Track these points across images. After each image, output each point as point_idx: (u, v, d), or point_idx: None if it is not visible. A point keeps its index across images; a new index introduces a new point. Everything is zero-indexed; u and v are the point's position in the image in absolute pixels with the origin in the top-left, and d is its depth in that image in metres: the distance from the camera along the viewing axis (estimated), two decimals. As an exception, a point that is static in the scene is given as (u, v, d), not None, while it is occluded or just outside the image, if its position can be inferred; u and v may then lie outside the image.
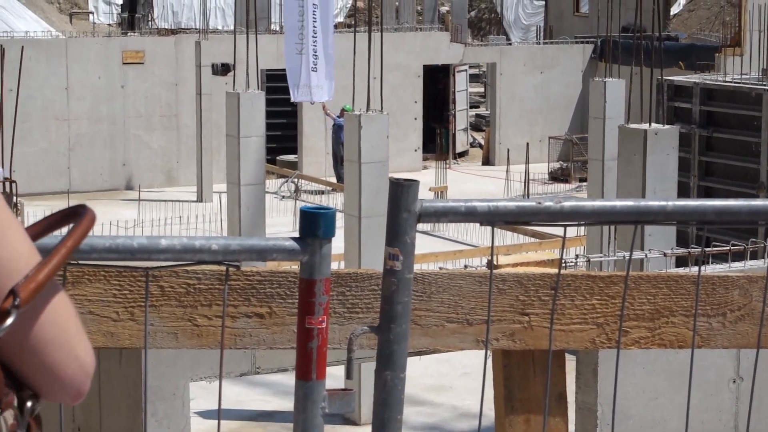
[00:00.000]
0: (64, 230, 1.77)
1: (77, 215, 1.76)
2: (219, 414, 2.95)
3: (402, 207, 2.46)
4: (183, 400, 7.69)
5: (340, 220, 20.40)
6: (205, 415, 14.74)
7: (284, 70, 26.06)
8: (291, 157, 35.83)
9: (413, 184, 2.50)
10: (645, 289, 3.02)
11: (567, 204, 2.56)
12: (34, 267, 1.66)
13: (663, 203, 2.64)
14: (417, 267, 2.68)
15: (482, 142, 40.58)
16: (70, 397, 1.74)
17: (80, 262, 1.77)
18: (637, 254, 10.19)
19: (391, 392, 2.57)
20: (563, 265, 2.87)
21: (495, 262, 3.79)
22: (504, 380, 3.04)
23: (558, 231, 21.89)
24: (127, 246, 2.38)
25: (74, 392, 1.74)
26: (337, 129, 31.25)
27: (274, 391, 16.38)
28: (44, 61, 32.12)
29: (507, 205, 2.60)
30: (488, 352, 2.90)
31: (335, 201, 26.86)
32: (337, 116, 31.65)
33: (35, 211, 18.95)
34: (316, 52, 23.77)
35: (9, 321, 1.61)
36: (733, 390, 8.12)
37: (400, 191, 2.48)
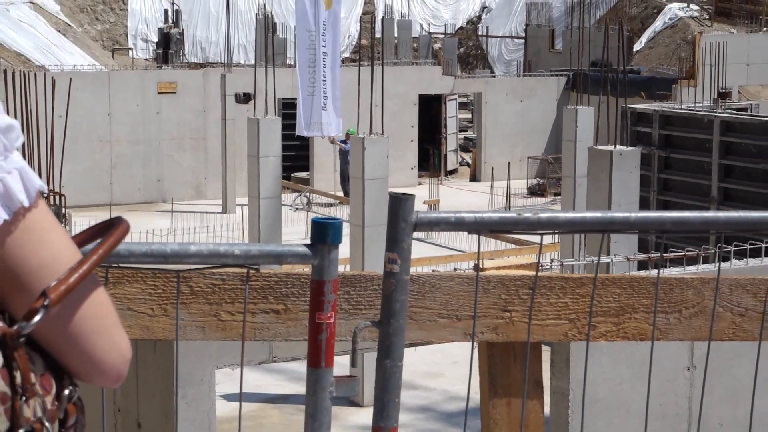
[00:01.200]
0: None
1: (114, 226, 1.77)
2: (240, 397, 2.94)
3: (400, 217, 2.46)
4: (209, 385, 7.68)
5: (346, 229, 20.40)
6: (229, 398, 14.72)
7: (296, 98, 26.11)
8: (303, 174, 35.86)
9: (410, 197, 2.51)
10: (611, 289, 3.02)
11: (543, 215, 2.57)
12: (65, 271, 1.66)
13: (626, 215, 2.64)
14: (413, 270, 2.68)
15: (470, 161, 40.57)
16: (111, 381, 1.74)
17: (120, 265, 1.77)
18: (604, 259, 10.18)
19: (390, 378, 2.56)
20: (540, 268, 2.87)
21: (480, 266, 3.78)
22: (488, 368, 3.03)
23: (535, 238, 21.90)
24: (161, 251, 2.38)
25: (114, 376, 1.74)
26: (345, 153, 31.26)
27: (288, 377, 16.36)
28: (89, 90, 32.14)
29: (491, 216, 2.61)
30: (475, 343, 2.90)
31: (342, 212, 26.85)
32: (342, 140, 31.63)
33: (81, 221, 18.90)
34: (326, 93, 23.81)
35: (36, 319, 1.62)
36: (687, 377, 8.10)
37: (399, 204, 2.49)
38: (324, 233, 2.42)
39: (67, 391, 1.72)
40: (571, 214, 2.68)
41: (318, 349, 2.42)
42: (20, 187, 1.64)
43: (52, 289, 1.63)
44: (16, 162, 1.64)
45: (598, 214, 2.66)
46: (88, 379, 1.74)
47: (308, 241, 2.46)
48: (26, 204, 1.65)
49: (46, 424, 1.69)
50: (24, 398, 1.66)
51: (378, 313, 2.62)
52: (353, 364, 2.52)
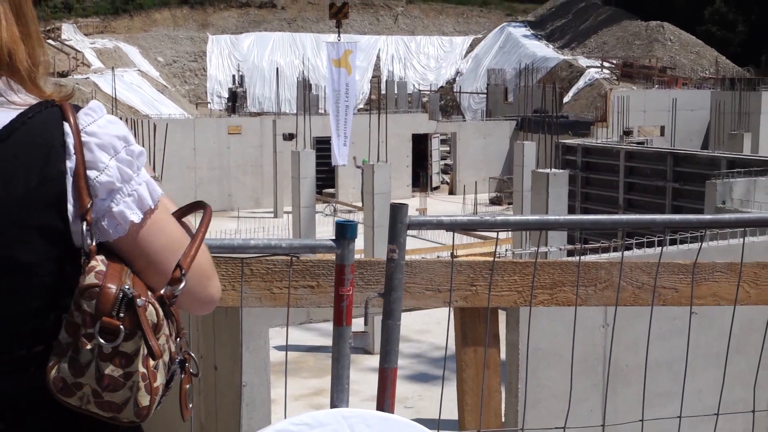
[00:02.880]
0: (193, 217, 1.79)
1: (199, 207, 1.78)
2: (286, 348, 2.94)
3: (398, 220, 2.47)
4: (265, 339, 7.67)
5: (360, 229, 20.39)
6: (279, 348, 14.69)
7: (327, 136, 26.16)
8: (331, 190, 35.86)
9: (404, 206, 2.51)
10: (547, 270, 3.02)
11: (498, 218, 2.58)
12: (188, 245, 1.67)
13: (557, 218, 2.65)
14: (407, 257, 2.68)
15: (448, 180, 40.54)
16: (210, 307, 1.76)
17: (184, 282, 1.74)
18: (543, 249, 10.17)
19: (391, 333, 2.57)
20: (497, 255, 2.88)
21: (455, 254, 3.79)
22: (461, 326, 3.03)
23: (493, 234, 21.91)
24: (230, 245, 2.39)
25: (214, 306, 1.76)
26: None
27: (320, 333, 16.34)
28: (180, 132, 32.16)
29: (462, 218, 2.61)
30: (451, 309, 2.89)
31: (359, 217, 26.86)
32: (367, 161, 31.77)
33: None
34: (346, 134, 23.93)
35: (182, 285, 1.64)
36: (602, 332, 8.08)
37: (397, 210, 2.49)
38: (344, 231, 2.43)
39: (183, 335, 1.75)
40: (518, 217, 2.69)
41: (340, 313, 2.42)
42: (147, 195, 1.64)
43: (182, 261, 1.64)
44: (145, 176, 1.65)
45: (537, 217, 2.67)
46: (202, 310, 1.76)
47: (333, 237, 2.47)
48: (152, 206, 1.65)
49: (192, 353, 1.72)
50: (178, 338, 1.69)
51: (383, 287, 2.62)
52: (366, 323, 2.52)
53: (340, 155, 23.89)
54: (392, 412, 2.56)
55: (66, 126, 1.59)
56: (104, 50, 52.84)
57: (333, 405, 2.48)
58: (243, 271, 2.62)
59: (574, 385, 7.78)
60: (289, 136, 30.82)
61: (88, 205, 1.56)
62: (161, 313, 1.60)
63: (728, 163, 19.57)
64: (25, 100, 1.62)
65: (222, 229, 24.44)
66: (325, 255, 2.81)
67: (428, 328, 16.55)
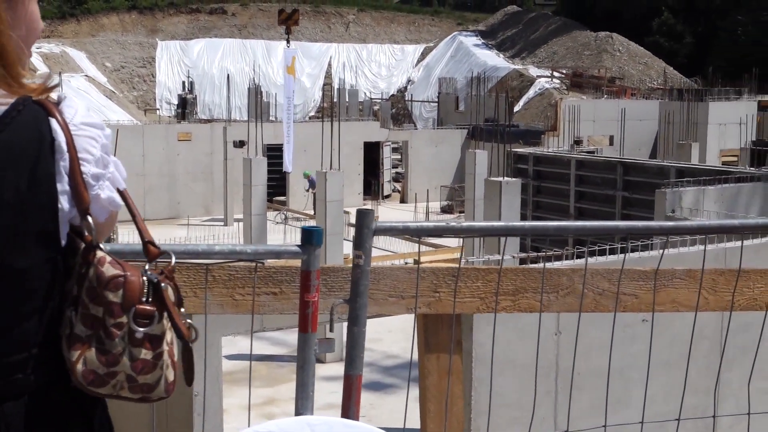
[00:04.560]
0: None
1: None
2: (251, 356, 2.90)
3: (364, 225, 2.46)
4: (218, 348, 7.62)
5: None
6: (230, 357, 14.61)
7: (278, 144, 26.15)
8: (282, 198, 35.75)
9: (371, 211, 2.51)
10: (510, 276, 3.03)
11: (464, 224, 2.58)
12: (139, 221, 1.77)
13: (522, 224, 2.66)
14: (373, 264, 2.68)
15: (399, 188, 40.62)
16: None
17: (163, 261, 1.79)
18: (496, 257, 10.24)
19: (357, 340, 2.56)
20: (461, 262, 2.89)
21: (419, 260, 3.77)
22: (424, 332, 3.03)
23: (446, 242, 22.02)
24: (194, 250, 2.37)
25: None
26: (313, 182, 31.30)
27: (271, 342, 16.25)
28: (129, 138, 31.80)
29: (428, 225, 2.62)
30: (415, 315, 2.89)
31: (309, 224, 26.76)
32: (309, 173, 31.85)
33: (123, 232, 18.84)
34: (290, 141, 24.08)
35: (173, 260, 1.76)
36: (555, 340, 8.15)
37: (363, 216, 2.49)
38: (310, 237, 2.41)
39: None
40: (484, 224, 2.70)
41: (306, 319, 2.41)
42: (119, 176, 1.73)
43: (149, 236, 1.75)
44: (112, 158, 1.72)
45: (503, 224, 2.68)
46: None
47: (299, 243, 2.46)
48: (124, 186, 1.74)
49: (190, 321, 1.76)
50: (182, 308, 1.74)
51: (347, 293, 2.61)
52: (331, 329, 2.51)
53: (290, 162, 23.92)
54: (357, 419, 2.55)
55: (53, 123, 1.57)
56: (51, 55, 52.13)
57: (298, 413, 2.46)
58: (206, 277, 2.59)
59: (527, 392, 7.83)
60: (240, 144, 30.67)
61: (89, 202, 1.57)
62: (176, 291, 1.66)
63: (677, 173, 19.87)
64: (5, 100, 1.59)
65: (172, 236, 24.20)
66: (288, 261, 2.78)
67: (380, 336, 16.55)
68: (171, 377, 1.65)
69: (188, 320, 1.75)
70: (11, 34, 1.59)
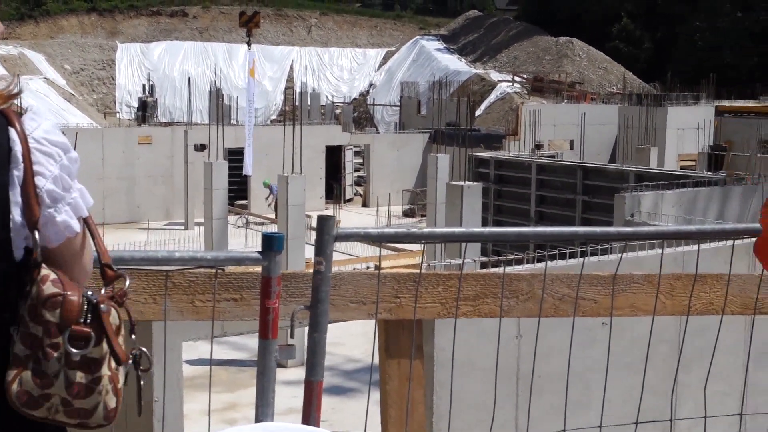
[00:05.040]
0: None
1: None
2: (210, 361, 2.89)
3: (325, 231, 2.46)
4: (178, 353, 7.57)
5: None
6: (191, 363, 14.51)
7: (240, 147, 26.06)
8: (243, 202, 35.60)
9: (332, 218, 2.51)
10: (470, 282, 3.04)
11: (425, 230, 2.59)
12: (98, 242, 1.73)
13: (482, 230, 2.68)
14: (334, 269, 2.68)
15: (361, 192, 40.63)
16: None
17: (124, 267, 1.77)
18: (457, 261, 10.27)
19: (318, 345, 2.56)
20: (423, 267, 2.89)
21: (380, 266, 3.79)
22: (385, 337, 3.03)
23: (408, 246, 22.06)
24: (154, 257, 2.35)
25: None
26: (273, 189, 31.22)
27: (232, 347, 16.17)
28: (89, 142, 31.51)
29: (389, 231, 2.62)
30: (376, 320, 2.90)
31: (273, 229, 26.64)
32: (269, 182, 31.89)
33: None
34: (250, 144, 24.05)
35: (128, 282, 1.73)
36: (516, 343, 8.19)
37: (324, 222, 2.49)
38: (271, 243, 2.41)
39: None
40: (445, 230, 2.72)
41: (266, 326, 2.40)
42: (82, 203, 1.68)
43: (107, 259, 1.72)
44: (77, 184, 1.69)
45: (463, 230, 2.69)
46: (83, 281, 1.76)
47: (257, 250, 2.45)
48: (86, 214, 1.70)
49: (144, 349, 1.75)
50: (132, 335, 1.72)
51: (308, 300, 2.61)
52: (291, 336, 2.50)
53: (251, 165, 23.88)
54: (318, 425, 2.55)
55: (12, 132, 1.54)
56: (8, 57, 51.49)
57: (258, 419, 2.45)
58: (166, 284, 2.58)
59: (489, 395, 7.86)
60: (201, 147, 30.51)
61: (38, 215, 1.53)
62: (120, 314, 1.61)
63: (636, 177, 20.07)
64: None
65: (131, 241, 23.99)
66: (249, 267, 2.78)
67: (342, 341, 16.53)
68: (111, 404, 1.59)
69: (141, 348, 1.72)
70: None
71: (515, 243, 15.33)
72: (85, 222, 1.71)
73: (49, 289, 1.54)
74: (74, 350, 1.53)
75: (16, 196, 1.53)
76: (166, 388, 7.50)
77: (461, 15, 72.33)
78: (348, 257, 23.52)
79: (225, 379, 15.37)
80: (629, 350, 7.95)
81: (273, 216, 29.88)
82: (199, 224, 28.06)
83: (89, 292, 1.58)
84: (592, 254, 8.82)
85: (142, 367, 1.73)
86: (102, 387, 1.58)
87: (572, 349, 7.72)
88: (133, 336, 1.69)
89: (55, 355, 1.53)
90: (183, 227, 31.44)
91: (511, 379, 8.28)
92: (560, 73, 55.69)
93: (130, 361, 1.68)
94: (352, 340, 16.36)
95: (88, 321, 1.56)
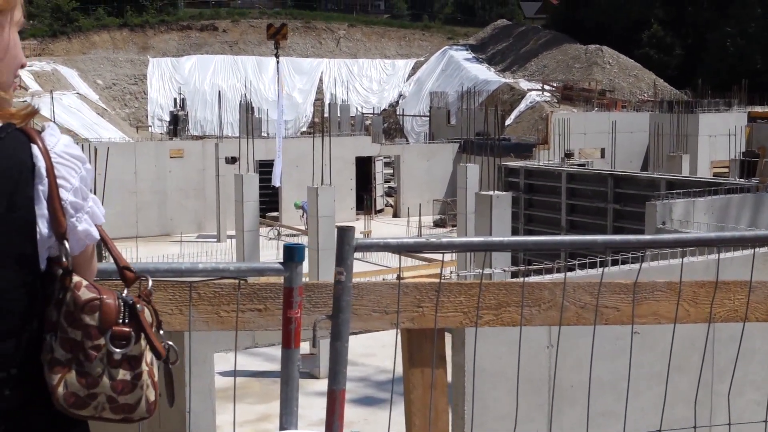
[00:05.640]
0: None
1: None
2: (234, 371, 2.94)
3: (345, 242, 2.49)
4: (210, 365, 7.63)
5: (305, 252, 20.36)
6: (223, 374, 14.57)
7: (270, 159, 26.21)
8: (275, 214, 35.75)
9: (351, 229, 2.54)
10: (492, 291, 3.06)
11: (444, 240, 2.62)
12: (112, 248, 1.80)
13: (501, 239, 2.70)
14: (355, 280, 2.71)
15: (392, 203, 40.66)
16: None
17: (150, 278, 1.83)
18: (488, 271, 10.26)
19: (339, 355, 2.59)
20: (443, 277, 2.88)
21: (402, 276, 3.82)
22: (408, 347, 3.06)
23: (439, 256, 22.06)
24: (178, 268, 2.40)
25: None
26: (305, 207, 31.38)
27: (265, 358, 16.24)
28: (121, 156, 31.84)
29: (408, 240, 2.65)
30: (398, 330, 2.93)
31: (304, 240, 26.76)
32: (300, 202, 31.96)
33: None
34: (280, 155, 24.17)
35: (150, 283, 1.82)
36: (547, 353, 8.16)
37: (344, 233, 2.52)
38: (292, 254, 2.45)
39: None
40: (463, 239, 2.74)
41: (289, 335, 2.44)
42: (98, 211, 1.75)
43: (123, 262, 1.79)
44: (91, 195, 1.75)
45: (482, 239, 2.72)
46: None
47: (281, 260, 2.49)
48: (102, 222, 1.77)
49: (171, 343, 1.82)
50: (161, 330, 1.79)
51: (330, 309, 2.64)
52: (314, 345, 2.54)
53: (279, 176, 24.02)
54: (341, 434, 2.58)
55: (35, 149, 1.61)
56: (42, 73, 52.16)
57: (282, 428, 2.49)
58: (191, 294, 2.62)
59: (520, 406, 7.84)
60: (232, 160, 30.71)
61: (66, 226, 1.60)
62: (153, 313, 1.68)
63: (667, 185, 19.93)
64: None
65: (164, 253, 24.20)
66: (272, 278, 2.82)
67: (373, 351, 16.54)
68: (152, 397, 1.68)
69: (168, 342, 1.78)
70: None
71: (534, 251, 15.26)
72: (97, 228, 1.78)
73: (85, 294, 1.61)
74: (117, 350, 1.60)
75: (42, 209, 1.59)
76: (199, 400, 7.55)
77: (489, 24, 72.30)
78: (380, 268, 23.56)
79: (258, 390, 15.44)
80: (661, 360, 7.91)
81: (304, 228, 29.98)
82: (230, 237, 28.25)
83: (123, 293, 1.65)
84: (624, 262, 8.79)
85: (171, 361, 1.79)
86: (143, 382, 1.66)
87: (605, 359, 7.69)
88: (162, 331, 1.77)
89: (98, 356, 1.61)
90: (215, 240, 31.65)
91: (542, 389, 8.25)
92: (590, 81, 55.47)
93: (173, 357, 1.76)
94: (383, 351, 16.37)
95: (126, 321, 1.63)
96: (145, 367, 1.66)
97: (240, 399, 14.73)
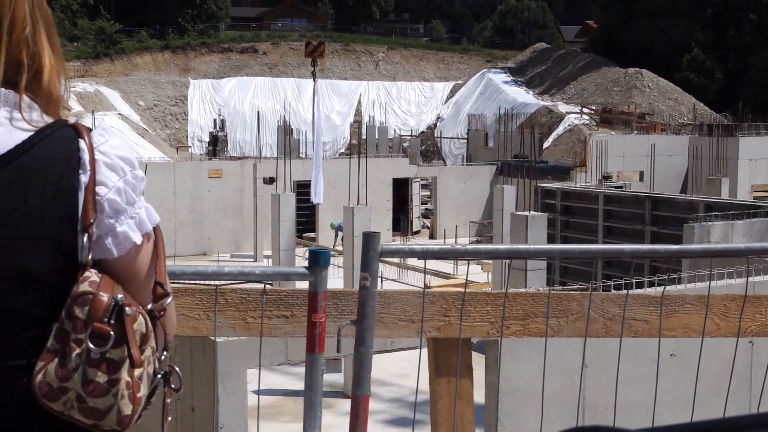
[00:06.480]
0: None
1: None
2: (258, 383, 2.95)
3: (370, 248, 2.50)
4: (243, 380, 7.63)
5: (340, 273, 20.34)
6: (256, 392, 14.59)
7: (307, 181, 26.33)
8: (311, 234, 35.87)
9: (377, 234, 2.55)
10: (519, 301, 3.05)
11: (469, 247, 2.61)
12: (159, 263, 1.78)
13: (527, 246, 2.70)
14: (386, 287, 2.72)
15: (429, 225, 40.63)
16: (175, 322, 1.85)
17: (175, 281, 1.83)
18: (522, 290, 10.19)
19: (363, 360, 2.59)
20: (469, 287, 2.88)
21: (428, 285, 3.80)
22: (434, 355, 3.05)
23: (474, 278, 21.96)
24: (204, 271, 2.42)
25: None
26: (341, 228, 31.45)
27: (299, 377, 16.25)
28: (160, 175, 32.18)
29: (433, 247, 2.65)
30: (421, 338, 2.92)
31: (340, 261, 26.75)
32: (340, 226, 32.01)
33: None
34: (319, 171, 24.25)
35: (170, 299, 1.77)
36: (581, 373, 8.07)
37: (369, 238, 2.53)
38: (317, 259, 2.46)
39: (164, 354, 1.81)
40: (489, 246, 2.74)
41: (313, 340, 2.45)
42: (147, 219, 1.72)
43: (162, 279, 1.76)
44: (144, 202, 1.74)
45: (507, 247, 2.71)
46: (173, 326, 1.84)
47: (301, 267, 2.50)
48: (150, 231, 1.74)
49: (176, 368, 1.78)
50: (165, 352, 1.75)
51: (355, 316, 2.65)
52: (338, 350, 2.54)
53: (317, 193, 24.08)
54: (365, 439, 2.58)
55: (81, 143, 1.65)
56: (85, 94, 52.90)
57: (305, 432, 2.49)
58: (216, 298, 2.64)
59: (553, 426, 7.77)
60: (270, 180, 30.91)
61: (92, 219, 1.62)
62: (150, 325, 1.67)
63: (706, 207, 19.74)
64: (44, 120, 1.69)
65: (201, 272, 24.33)
66: (299, 284, 2.83)
67: (407, 371, 16.50)
68: (126, 410, 1.62)
69: (174, 367, 1.77)
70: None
71: (567, 260, 15.11)
72: (155, 243, 1.78)
73: (83, 287, 1.62)
74: (93, 347, 1.59)
75: (81, 200, 1.63)
76: (231, 415, 7.56)
77: (528, 48, 72.26)
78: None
79: (292, 408, 15.45)
80: (699, 382, 7.80)
81: (340, 248, 30.06)
82: (267, 257, 28.35)
83: (119, 296, 1.64)
84: (659, 284, 8.69)
85: (173, 386, 1.77)
86: (118, 390, 1.61)
87: (641, 381, 7.60)
88: (166, 353, 1.74)
89: (78, 350, 1.60)
90: (252, 259, 31.80)
91: (575, 411, 8.16)
92: (629, 104, 55.16)
93: (159, 376, 1.73)
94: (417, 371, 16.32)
95: (112, 321, 1.62)
96: (125, 377, 1.62)
97: (274, 417, 14.73)
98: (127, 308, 1.62)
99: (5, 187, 1.59)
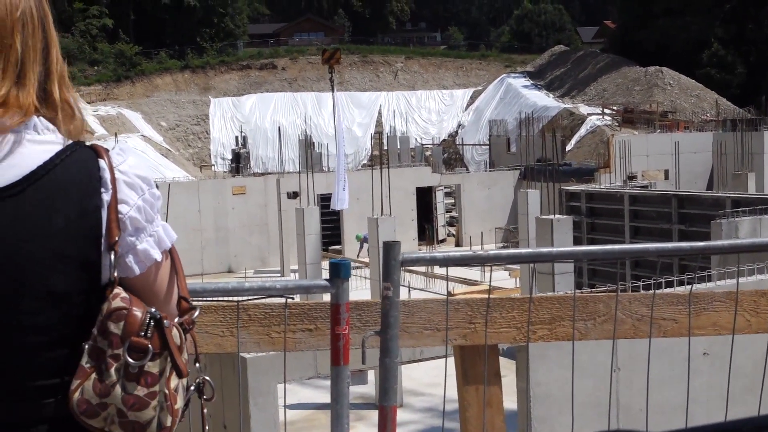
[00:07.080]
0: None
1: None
2: (285, 397, 2.93)
3: (391, 257, 2.48)
4: (273, 395, 7.63)
5: (367, 284, 20.30)
6: (292, 407, 14.60)
7: (331, 193, 26.42)
8: (337, 247, 35.91)
9: (397, 243, 2.53)
10: (545, 305, 3.02)
11: (491, 252, 2.59)
12: (179, 279, 1.80)
13: (550, 249, 2.67)
14: (410, 296, 2.70)
15: (454, 232, 40.54)
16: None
17: (196, 299, 1.83)
18: (549, 293, 10.13)
19: (389, 371, 2.56)
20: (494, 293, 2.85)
21: (452, 292, 3.77)
22: (461, 363, 3.03)
23: (498, 286, 21.86)
24: (224, 288, 2.41)
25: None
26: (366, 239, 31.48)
27: (330, 390, 16.22)
28: (185, 195, 32.32)
29: (455, 254, 2.63)
30: (449, 346, 2.90)
31: (363, 273, 26.72)
32: (365, 237, 32.00)
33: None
34: (345, 179, 24.20)
35: (197, 312, 1.79)
36: (614, 376, 8.02)
37: (390, 247, 2.51)
38: (338, 270, 2.44)
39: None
40: (511, 251, 2.71)
41: (338, 352, 2.43)
42: (165, 237, 1.75)
43: (185, 293, 1.79)
44: (161, 220, 1.76)
45: (529, 250, 2.69)
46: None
47: (327, 278, 2.48)
48: (168, 248, 1.76)
49: (208, 378, 1.81)
50: (197, 363, 1.79)
51: (378, 327, 2.63)
52: (363, 362, 2.52)
53: (340, 199, 24.10)
54: (393, 451, 2.55)
55: (101, 162, 1.67)
56: (107, 117, 53.31)
57: (333, 446, 2.47)
58: (239, 314, 2.63)
59: (585, 430, 7.71)
60: (293, 195, 30.97)
61: (117, 237, 1.64)
62: (183, 337, 1.68)
63: (733, 203, 19.56)
64: (56, 138, 1.71)
65: (229, 289, 24.38)
66: (323, 298, 2.82)
67: (438, 380, 16.38)
68: (166, 422, 1.64)
69: (205, 377, 1.79)
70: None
71: (594, 262, 14.99)
72: (172, 259, 1.79)
73: (116, 303, 1.63)
74: (132, 361, 1.60)
75: (104, 219, 1.65)
76: (263, 430, 7.56)
77: (547, 51, 72.09)
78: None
79: (324, 422, 15.42)
80: (734, 381, 7.70)
81: (366, 260, 30.06)
82: (294, 271, 28.39)
83: (153, 309, 1.66)
84: (689, 283, 8.61)
85: (205, 396, 1.78)
86: (158, 402, 1.63)
87: (675, 381, 7.52)
88: (197, 365, 1.76)
89: (115, 365, 1.62)
90: (279, 274, 31.86)
91: (611, 413, 8.09)
92: (651, 103, 54.86)
93: (193, 387, 1.74)
94: (449, 380, 16.25)
95: (149, 335, 1.63)
96: (164, 389, 1.64)
97: (307, 431, 14.72)
98: (164, 321, 1.65)
99: (30, 207, 1.61)
